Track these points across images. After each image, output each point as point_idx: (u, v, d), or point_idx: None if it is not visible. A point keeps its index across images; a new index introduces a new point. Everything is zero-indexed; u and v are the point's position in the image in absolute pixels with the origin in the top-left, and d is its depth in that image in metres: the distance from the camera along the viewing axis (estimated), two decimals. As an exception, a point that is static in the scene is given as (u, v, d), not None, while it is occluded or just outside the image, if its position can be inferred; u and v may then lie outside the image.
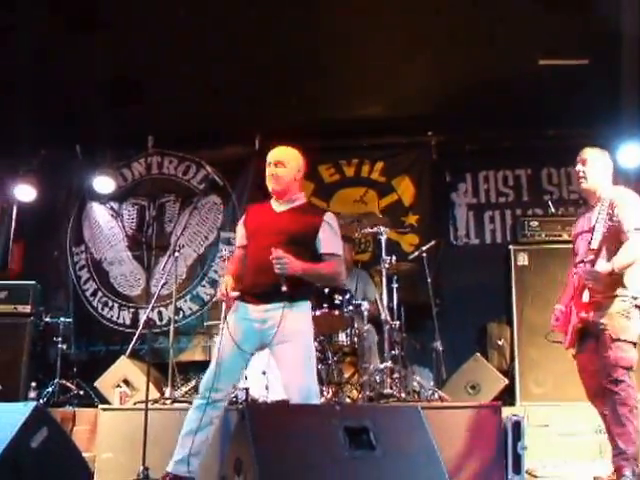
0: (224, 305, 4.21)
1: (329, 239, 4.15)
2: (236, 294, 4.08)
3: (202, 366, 6.41)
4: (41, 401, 6.30)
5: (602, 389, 4.09)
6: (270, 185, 4.23)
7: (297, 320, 4.04)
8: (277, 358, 4.12)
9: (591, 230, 4.13)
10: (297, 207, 4.25)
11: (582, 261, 4.18)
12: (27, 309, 6.82)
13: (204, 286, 7.92)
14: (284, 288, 3.87)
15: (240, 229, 4.40)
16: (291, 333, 3.99)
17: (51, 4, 5.35)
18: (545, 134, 7.41)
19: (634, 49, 5.66)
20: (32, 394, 6.51)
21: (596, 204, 4.23)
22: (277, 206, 4.27)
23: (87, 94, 6.46)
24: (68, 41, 5.78)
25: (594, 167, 4.35)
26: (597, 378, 4.12)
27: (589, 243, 4.09)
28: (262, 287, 4.03)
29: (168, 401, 5.65)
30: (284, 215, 4.21)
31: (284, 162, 4.19)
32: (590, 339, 4.15)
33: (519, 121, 7.19)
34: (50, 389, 6.59)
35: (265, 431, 2.73)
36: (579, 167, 4.39)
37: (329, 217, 4.22)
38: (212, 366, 4.10)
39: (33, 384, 6.63)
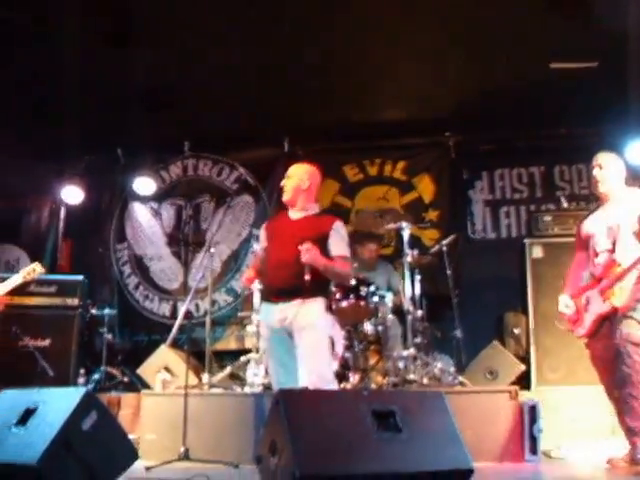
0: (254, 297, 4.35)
1: (338, 243, 4.32)
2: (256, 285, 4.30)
3: (236, 354, 6.45)
4: (89, 387, 6.37)
5: (613, 370, 4.06)
6: (284, 195, 4.47)
7: (311, 314, 4.16)
8: (295, 348, 4.21)
9: (614, 227, 4.18)
10: (310, 215, 4.42)
11: (603, 252, 4.22)
12: (75, 302, 6.87)
13: (237, 280, 7.92)
14: (307, 277, 4.01)
15: (262, 232, 4.61)
16: (306, 326, 4.13)
17: (94, 23, 5.38)
18: (557, 133, 7.33)
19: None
20: (81, 380, 6.59)
21: (611, 205, 4.30)
22: (292, 214, 4.46)
23: (127, 103, 6.48)
24: (109, 55, 5.80)
25: (609, 171, 4.36)
26: (610, 364, 4.09)
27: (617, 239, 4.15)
28: (279, 285, 4.22)
29: (206, 386, 5.69)
30: (299, 222, 4.39)
31: (290, 175, 4.46)
32: (605, 323, 4.13)
33: (532, 122, 7.14)
34: (97, 376, 6.66)
35: (298, 415, 2.73)
36: (596, 171, 4.38)
37: (338, 225, 4.39)
38: (272, 370, 4.36)
39: (81, 371, 6.71)
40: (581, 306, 4.28)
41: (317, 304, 4.21)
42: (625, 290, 4.04)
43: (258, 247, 4.80)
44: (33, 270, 5.48)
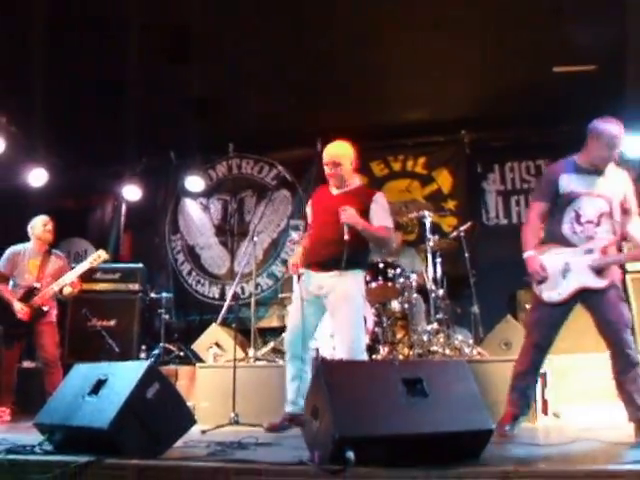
0: (295, 277, 4.25)
1: (379, 214, 4.12)
2: (302, 271, 4.14)
3: (278, 331, 6.47)
4: (150, 361, 6.44)
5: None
6: (331, 181, 4.24)
7: (349, 286, 4.02)
8: (331, 317, 4.14)
9: (607, 199, 3.69)
10: (351, 189, 4.21)
11: (590, 222, 3.69)
12: (136, 287, 6.95)
13: (277, 265, 7.97)
14: (347, 237, 3.86)
15: (308, 210, 4.45)
16: (343, 297, 4.00)
17: (152, 41, 5.44)
18: (560, 130, 7.17)
19: (636, 52, 5.48)
20: (142, 355, 6.66)
21: (600, 172, 3.76)
22: (334, 190, 4.25)
23: (179, 111, 6.54)
24: (164, 70, 5.89)
25: (618, 149, 3.83)
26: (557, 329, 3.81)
27: (608, 212, 3.69)
28: (320, 256, 4.04)
29: (252, 360, 5.71)
30: (339, 197, 4.17)
31: (340, 157, 4.18)
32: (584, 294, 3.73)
33: (538, 120, 7.05)
34: (156, 351, 6.71)
35: (337, 383, 2.72)
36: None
37: (379, 196, 4.19)
38: (290, 327, 4.20)
39: (143, 347, 6.78)
40: (555, 270, 3.72)
41: (355, 277, 4.07)
42: (615, 270, 3.73)
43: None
44: (99, 257, 5.55)
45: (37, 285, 5.41)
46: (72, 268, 5.63)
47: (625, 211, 3.79)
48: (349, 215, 3.91)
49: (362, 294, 4.16)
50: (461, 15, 5.50)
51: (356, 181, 4.31)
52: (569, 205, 3.74)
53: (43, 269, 5.51)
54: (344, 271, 3.98)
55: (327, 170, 4.22)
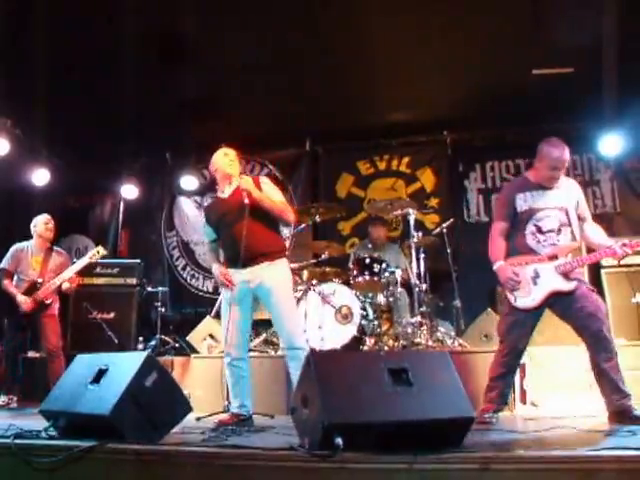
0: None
1: (271, 192, 4.07)
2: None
3: (269, 323, 6.44)
4: (148, 351, 6.43)
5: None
6: (224, 183, 4.17)
7: (280, 274, 3.96)
8: (269, 306, 4.00)
9: (563, 210, 3.84)
10: (237, 187, 4.06)
11: (551, 231, 3.82)
12: (134, 281, 6.94)
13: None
14: (246, 200, 3.82)
15: (206, 227, 4.25)
16: (276, 286, 3.91)
17: (147, 45, 5.43)
18: (539, 130, 7.16)
19: (612, 56, 5.54)
20: (140, 346, 6.65)
21: (554, 187, 3.90)
22: (223, 193, 4.18)
23: (174, 113, 6.53)
24: (158, 74, 5.88)
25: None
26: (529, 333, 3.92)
27: (566, 221, 3.85)
28: (244, 253, 3.84)
29: (245, 350, 5.72)
30: (231, 196, 4.09)
31: (233, 160, 4.20)
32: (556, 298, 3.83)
33: (517, 120, 7.09)
34: (153, 342, 6.69)
35: (326, 372, 2.73)
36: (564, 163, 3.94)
37: (263, 179, 4.17)
38: (225, 327, 3.97)
39: (140, 339, 6.76)
40: (526, 277, 3.82)
41: (283, 263, 4.01)
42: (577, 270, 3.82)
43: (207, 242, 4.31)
44: (97, 252, 5.58)
45: (39, 280, 5.50)
46: (73, 263, 5.66)
47: (580, 218, 3.94)
48: (246, 181, 3.90)
49: (291, 278, 4.10)
50: (444, 19, 5.51)
51: (236, 179, 4.15)
52: (529, 220, 3.88)
53: (45, 265, 5.60)
54: (273, 261, 3.94)
55: (229, 167, 4.15)
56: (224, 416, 4.04)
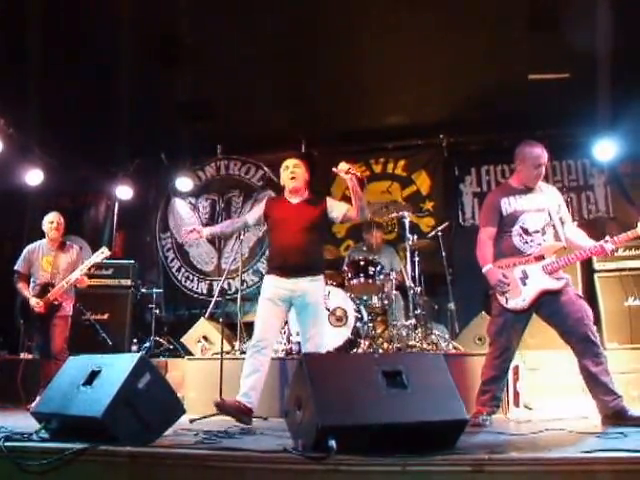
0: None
1: (336, 203, 4.41)
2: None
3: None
4: (142, 353, 6.42)
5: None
6: (292, 184, 4.32)
7: (319, 290, 4.17)
8: (303, 318, 4.19)
9: (546, 211, 3.96)
10: (307, 199, 4.34)
11: (537, 231, 3.92)
12: (128, 282, 6.95)
13: (262, 262, 7.97)
14: (358, 174, 4.13)
15: (262, 208, 4.45)
16: (314, 301, 4.12)
17: (143, 45, 5.42)
18: (534, 135, 7.19)
19: (606, 63, 5.55)
20: (134, 348, 6.65)
21: (534, 193, 4.03)
22: (293, 199, 4.34)
23: (169, 114, 6.52)
24: (154, 74, 5.86)
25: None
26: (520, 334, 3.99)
27: (550, 221, 3.96)
28: (291, 263, 4.11)
29: (238, 352, 5.70)
30: (300, 206, 4.30)
31: (298, 166, 4.35)
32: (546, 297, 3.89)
33: (513, 125, 7.05)
34: (147, 344, 6.71)
35: (319, 374, 2.73)
36: (543, 169, 4.06)
37: (328, 198, 4.42)
38: (258, 323, 4.18)
39: (134, 340, 6.77)
40: (515, 279, 3.89)
41: (322, 281, 4.22)
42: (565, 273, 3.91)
43: (247, 214, 4.67)
44: (102, 253, 5.55)
45: (51, 281, 5.49)
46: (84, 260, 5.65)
47: (562, 222, 4.04)
48: (343, 165, 4.07)
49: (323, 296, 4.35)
50: (441, 24, 5.53)
51: (308, 193, 4.41)
52: (515, 223, 3.99)
53: (56, 265, 5.58)
54: (314, 276, 4.15)
55: (289, 175, 4.31)
56: (229, 399, 4.12)
